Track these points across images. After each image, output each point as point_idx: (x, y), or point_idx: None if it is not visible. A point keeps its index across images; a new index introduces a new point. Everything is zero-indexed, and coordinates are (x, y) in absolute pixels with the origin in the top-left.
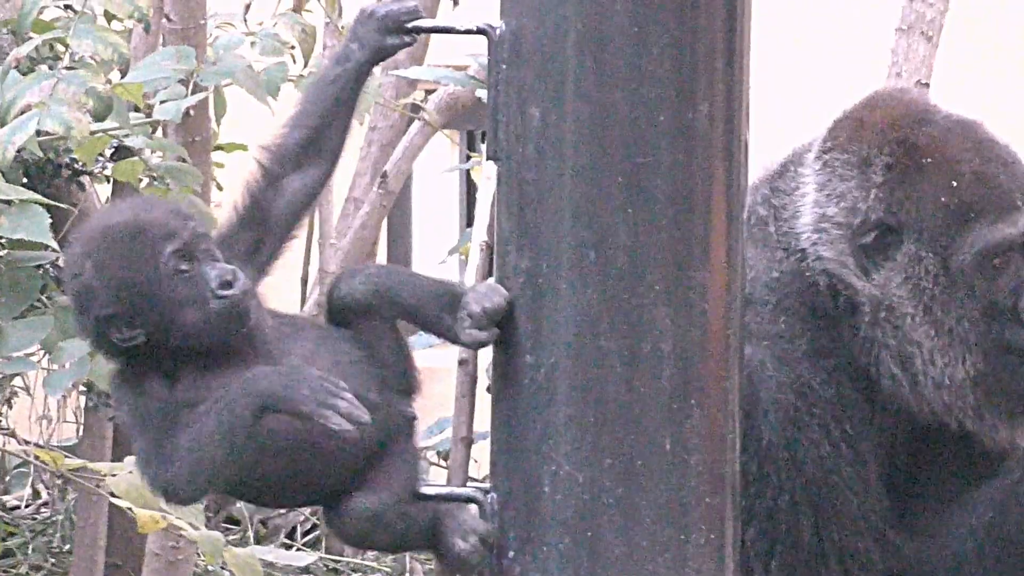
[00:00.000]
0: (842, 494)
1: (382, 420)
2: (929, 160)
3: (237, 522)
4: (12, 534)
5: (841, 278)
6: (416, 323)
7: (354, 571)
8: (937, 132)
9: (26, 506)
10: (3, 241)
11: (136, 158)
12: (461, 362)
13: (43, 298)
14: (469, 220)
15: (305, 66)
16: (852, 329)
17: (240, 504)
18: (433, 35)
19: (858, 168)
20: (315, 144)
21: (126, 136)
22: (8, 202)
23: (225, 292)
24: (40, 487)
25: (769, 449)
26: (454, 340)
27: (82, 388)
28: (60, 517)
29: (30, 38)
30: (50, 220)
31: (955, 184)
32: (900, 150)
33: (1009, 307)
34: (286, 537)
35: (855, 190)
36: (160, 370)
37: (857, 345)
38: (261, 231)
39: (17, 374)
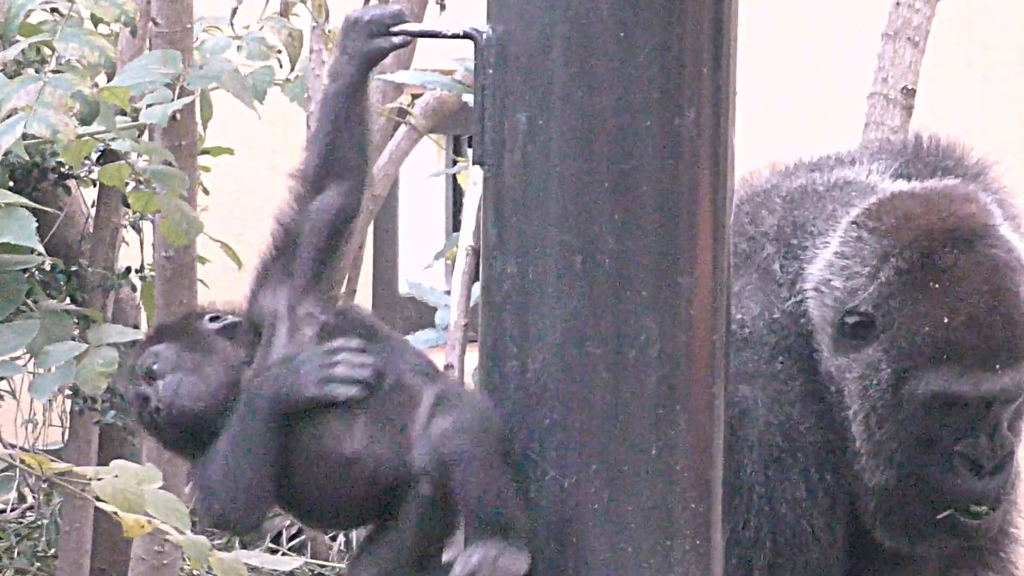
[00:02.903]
0: (808, 541)
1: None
2: (938, 286)
3: None
4: None
5: (818, 341)
6: None
7: None
8: (963, 261)
9: (11, 510)
10: None
11: (122, 162)
12: (447, 367)
13: (29, 302)
14: (455, 225)
15: (292, 70)
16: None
17: None
18: (420, 40)
19: (878, 259)
20: (330, 164)
21: (112, 140)
22: None
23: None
24: (26, 491)
25: (746, 483)
26: None
27: (68, 392)
28: (46, 521)
29: (16, 41)
30: (36, 224)
31: (947, 321)
32: (918, 262)
33: (944, 447)
34: (272, 542)
35: (864, 277)
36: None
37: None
38: (291, 255)
39: (3, 378)
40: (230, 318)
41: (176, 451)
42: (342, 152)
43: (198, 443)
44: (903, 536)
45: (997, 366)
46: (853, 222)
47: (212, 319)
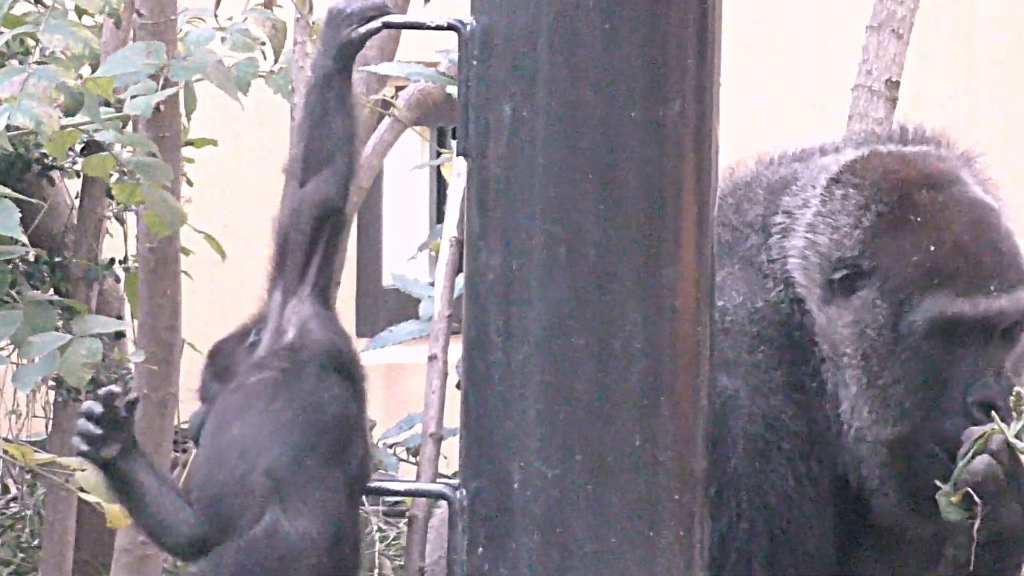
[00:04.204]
0: (801, 531)
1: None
2: (919, 220)
3: None
4: None
5: (804, 305)
6: None
7: None
8: (942, 198)
9: None
10: None
11: (106, 153)
12: (431, 358)
13: (12, 292)
14: (439, 216)
15: (275, 62)
16: (814, 363)
17: None
18: (404, 31)
19: (860, 209)
20: (313, 156)
21: (96, 131)
22: None
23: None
24: (9, 482)
25: (735, 477)
26: None
27: (51, 383)
28: (29, 512)
29: (0, 33)
30: (20, 215)
31: (933, 249)
32: (897, 203)
33: (954, 392)
34: None
35: (847, 228)
36: None
37: (817, 381)
38: (283, 253)
39: None
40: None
41: None
42: (324, 144)
43: None
44: (910, 508)
45: (991, 288)
46: (834, 179)
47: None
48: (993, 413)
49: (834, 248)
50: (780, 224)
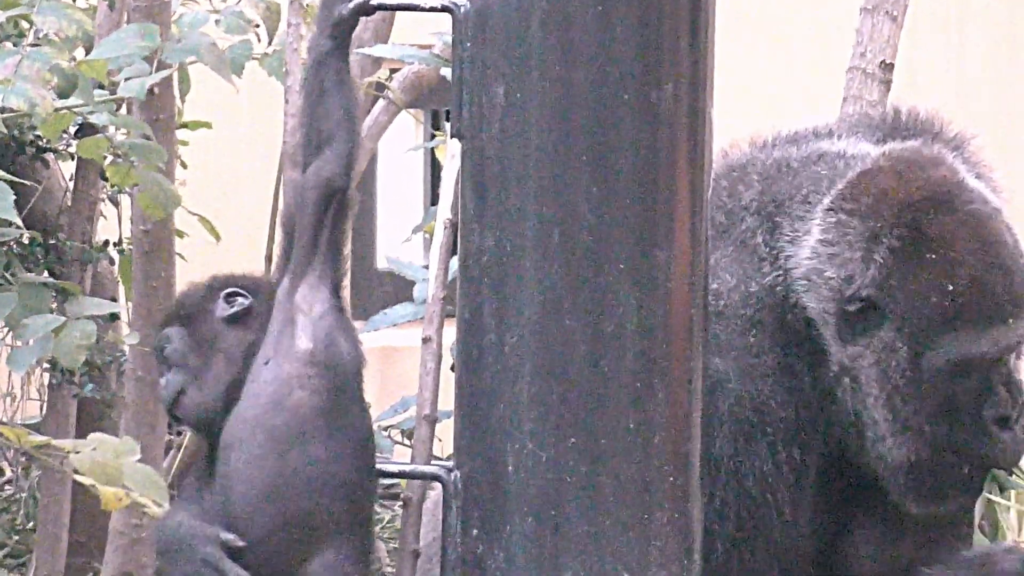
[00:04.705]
0: (772, 518)
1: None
2: (933, 256)
3: None
4: None
5: (818, 330)
6: None
7: None
8: (950, 224)
9: None
10: None
11: (100, 135)
12: (425, 340)
13: (6, 275)
14: (434, 199)
15: (269, 44)
16: (817, 367)
17: None
18: (398, 13)
19: (867, 241)
20: (313, 138)
21: (90, 113)
22: None
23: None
24: (4, 465)
25: (716, 457)
26: None
27: (46, 365)
28: (24, 495)
29: None
30: (14, 197)
31: (951, 288)
32: (908, 237)
33: (971, 411)
34: None
35: (857, 261)
36: None
37: (820, 383)
38: (290, 239)
39: None
40: (241, 302)
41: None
42: (323, 125)
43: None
44: (933, 502)
45: (1007, 316)
46: (829, 208)
47: (229, 297)
48: None
49: (845, 283)
50: (779, 219)
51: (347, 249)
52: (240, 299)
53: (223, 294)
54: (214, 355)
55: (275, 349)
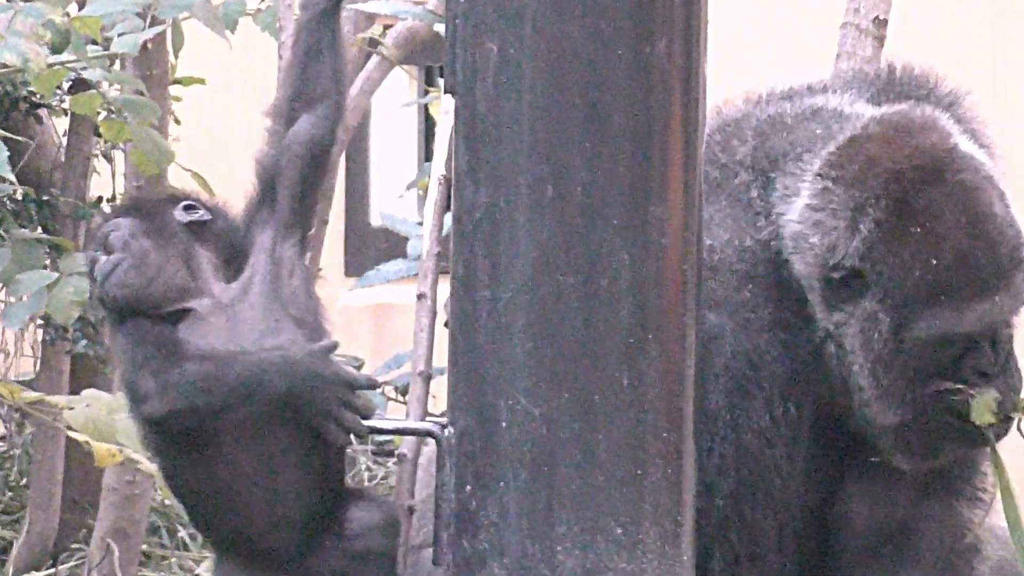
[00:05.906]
0: (769, 471)
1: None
2: (918, 230)
3: None
4: None
5: (805, 293)
6: None
7: None
8: (937, 197)
9: None
10: None
11: (94, 91)
12: (420, 296)
13: (1, 231)
14: (427, 155)
15: (262, 0)
16: (811, 321)
17: None
18: None
19: (852, 212)
20: (302, 95)
21: (84, 69)
22: None
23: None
24: None
25: (712, 412)
26: None
27: (39, 321)
28: (18, 451)
29: None
30: (8, 153)
31: (935, 262)
32: (894, 210)
33: (950, 371)
34: None
35: (842, 230)
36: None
37: (813, 340)
38: (272, 192)
39: None
40: (203, 214)
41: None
42: (313, 82)
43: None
44: (923, 459)
45: (995, 295)
46: (818, 174)
47: (188, 207)
48: None
49: (829, 251)
50: (773, 175)
51: (321, 205)
52: (201, 211)
53: (183, 203)
54: (161, 251)
55: (266, 297)
